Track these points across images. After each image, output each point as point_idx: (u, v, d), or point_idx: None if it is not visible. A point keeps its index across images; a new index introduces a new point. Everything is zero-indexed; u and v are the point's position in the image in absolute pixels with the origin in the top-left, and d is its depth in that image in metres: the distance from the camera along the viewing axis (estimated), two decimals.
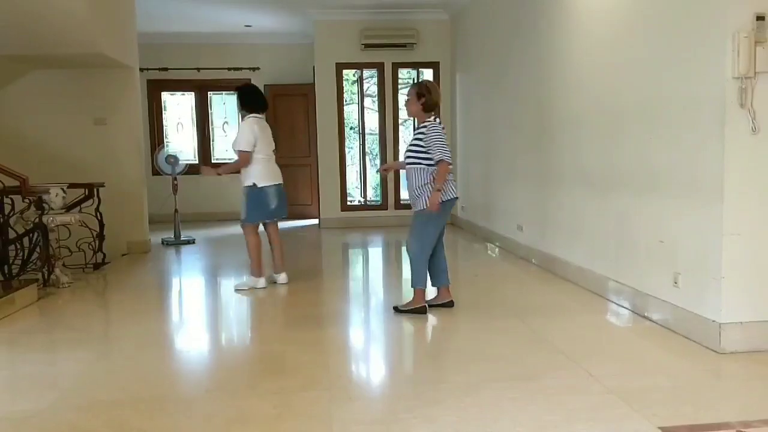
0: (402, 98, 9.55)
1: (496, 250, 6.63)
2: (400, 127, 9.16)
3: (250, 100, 4.94)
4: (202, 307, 4.72)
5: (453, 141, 8.78)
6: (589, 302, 4.30)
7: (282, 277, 5.09)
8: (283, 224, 9.69)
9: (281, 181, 4.98)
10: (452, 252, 7.26)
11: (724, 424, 2.36)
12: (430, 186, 3.97)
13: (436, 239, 4.12)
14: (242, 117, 4.96)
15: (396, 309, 4.14)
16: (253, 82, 10.00)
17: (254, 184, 4.80)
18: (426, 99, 4.03)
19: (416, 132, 4.10)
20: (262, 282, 4.95)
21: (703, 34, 3.21)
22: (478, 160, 7.63)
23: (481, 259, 6.40)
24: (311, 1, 8.03)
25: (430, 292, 4.23)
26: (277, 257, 5.09)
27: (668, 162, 3.53)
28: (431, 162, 3.95)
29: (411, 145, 4.06)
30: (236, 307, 4.80)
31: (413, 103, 4.07)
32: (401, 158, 4.51)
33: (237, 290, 4.93)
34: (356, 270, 6.39)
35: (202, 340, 3.98)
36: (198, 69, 9.83)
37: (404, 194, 9.48)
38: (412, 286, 4.10)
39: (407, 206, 9.21)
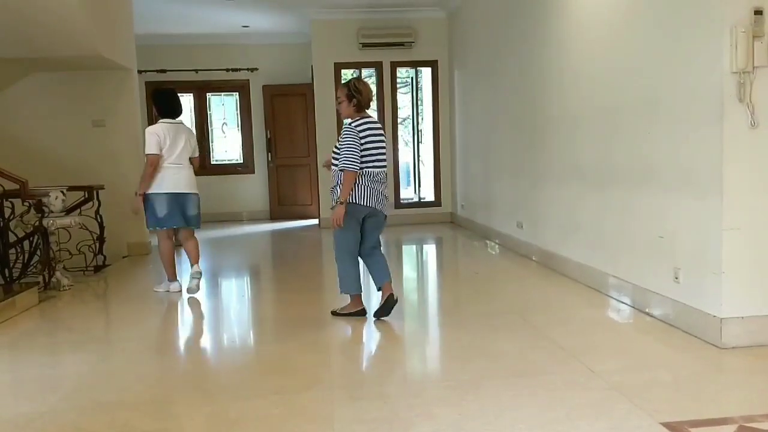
0: (401, 97, 9.57)
1: (496, 247, 6.63)
2: (399, 126, 9.17)
3: (161, 103, 4.90)
4: (202, 307, 4.72)
5: (452, 138, 8.79)
6: (590, 298, 4.30)
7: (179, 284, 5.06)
8: (283, 224, 9.78)
9: (187, 191, 4.84)
10: (452, 250, 7.27)
11: (727, 419, 2.36)
12: (338, 189, 3.82)
13: (355, 244, 3.93)
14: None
15: (334, 312, 4.06)
16: (251, 82, 10.05)
17: (152, 192, 4.76)
18: (358, 99, 3.86)
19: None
20: (176, 286, 5.01)
21: (701, 28, 3.20)
22: (477, 158, 7.63)
23: (480, 257, 6.41)
24: (308, 1, 8.03)
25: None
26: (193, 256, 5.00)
27: (667, 157, 3.53)
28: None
29: (336, 145, 3.90)
30: (237, 307, 4.81)
31: (346, 106, 3.88)
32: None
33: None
34: None
35: (203, 340, 3.98)
36: (196, 70, 9.83)
37: (404, 193, 9.49)
38: (340, 293, 4.02)
39: (408, 205, 9.31)
